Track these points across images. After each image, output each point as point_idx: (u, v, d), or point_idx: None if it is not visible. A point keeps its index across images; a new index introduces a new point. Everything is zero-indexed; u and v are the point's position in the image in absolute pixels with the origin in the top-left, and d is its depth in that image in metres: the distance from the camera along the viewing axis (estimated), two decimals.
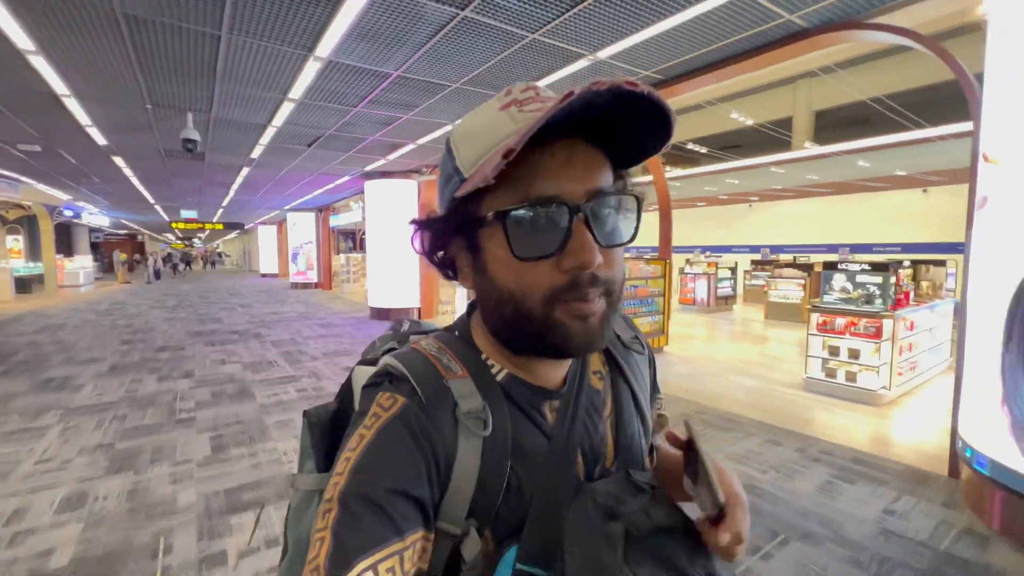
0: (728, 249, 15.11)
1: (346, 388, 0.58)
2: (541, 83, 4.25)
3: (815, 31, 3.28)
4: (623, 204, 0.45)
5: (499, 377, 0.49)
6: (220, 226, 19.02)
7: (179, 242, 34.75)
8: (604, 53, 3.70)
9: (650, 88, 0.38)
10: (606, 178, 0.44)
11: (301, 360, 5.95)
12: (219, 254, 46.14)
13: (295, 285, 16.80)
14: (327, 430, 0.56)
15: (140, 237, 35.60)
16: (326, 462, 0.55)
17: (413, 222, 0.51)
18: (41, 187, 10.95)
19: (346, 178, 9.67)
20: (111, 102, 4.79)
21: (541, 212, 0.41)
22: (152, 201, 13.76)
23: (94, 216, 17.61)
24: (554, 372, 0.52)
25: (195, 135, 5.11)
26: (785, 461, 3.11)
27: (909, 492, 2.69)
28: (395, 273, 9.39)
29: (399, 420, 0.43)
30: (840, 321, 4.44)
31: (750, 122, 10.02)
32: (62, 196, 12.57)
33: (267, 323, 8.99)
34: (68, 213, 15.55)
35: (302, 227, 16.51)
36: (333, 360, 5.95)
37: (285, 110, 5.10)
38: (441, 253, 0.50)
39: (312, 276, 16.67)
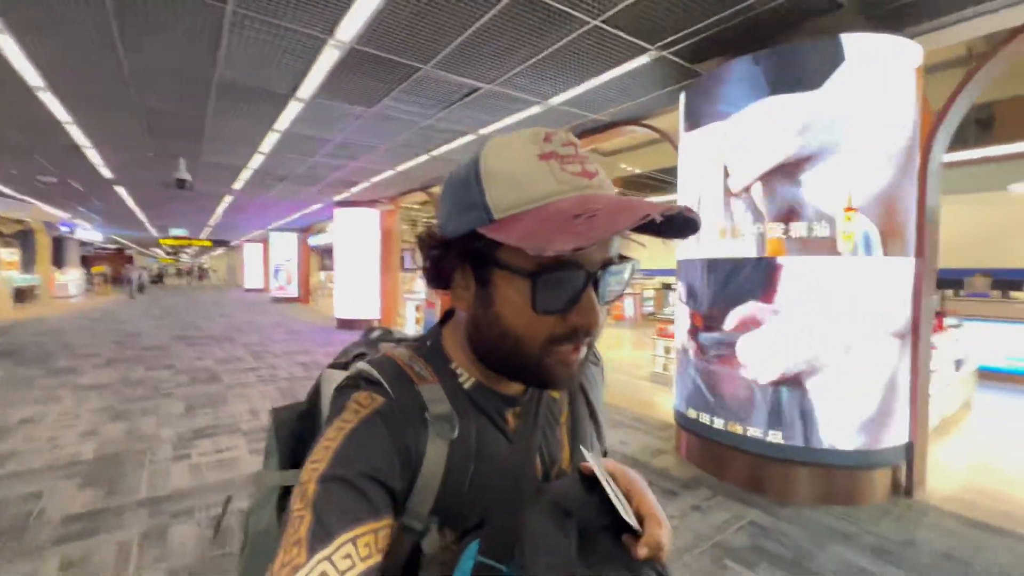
0: (672, 272, 16.60)
1: (314, 391, 0.61)
2: (448, 147, 5.77)
3: (620, 123, 4.81)
4: (623, 269, 0.48)
5: (466, 385, 0.53)
6: (208, 243, 20.29)
7: (168, 257, 35.71)
8: (484, 131, 5.19)
9: (698, 215, 0.44)
10: (616, 245, 0.48)
11: (265, 356, 7.25)
12: (203, 269, 47.07)
13: (276, 299, 18.07)
14: (294, 429, 0.61)
15: (128, 251, 36.58)
16: (290, 460, 0.60)
17: (421, 237, 0.52)
18: (47, 208, 12.25)
19: (319, 205, 11.11)
20: (122, 151, 6.19)
21: (564, 275, 0.44)
22: (145, 220, 15.06)
23: (87, 232, 18.79)
24: (517, 383, 0.55)
25: (187, 175, 6.51)
26: None
27: (647, 433, 4.07)
28: (359, 288, 10.77)
29: (377, 415, 0.47)
30: (671, 328, 5.87)
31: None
32: (62, 214, 13.83)
33: (242, 330, 10.25)
34: (64, 229, 16.78)
35: (284, 246, 17.87)
36: (291, 357, 7.26)
37: (259, 158, 6.53)
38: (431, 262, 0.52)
39: (292, 291, 17.97)
